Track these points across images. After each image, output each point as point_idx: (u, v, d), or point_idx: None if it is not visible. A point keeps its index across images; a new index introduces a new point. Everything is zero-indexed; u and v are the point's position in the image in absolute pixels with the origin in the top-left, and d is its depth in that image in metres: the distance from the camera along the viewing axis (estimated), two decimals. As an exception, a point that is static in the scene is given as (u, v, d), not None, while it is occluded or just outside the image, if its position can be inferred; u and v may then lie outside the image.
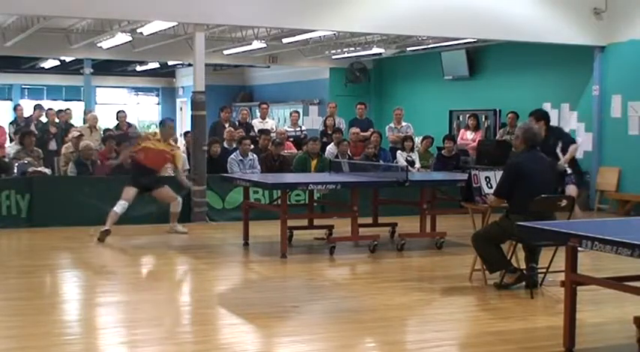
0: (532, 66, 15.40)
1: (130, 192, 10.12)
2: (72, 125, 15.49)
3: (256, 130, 14.34)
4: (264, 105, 15.66)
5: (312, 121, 18.04)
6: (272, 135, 13.97)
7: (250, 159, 12.06)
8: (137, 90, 26.40)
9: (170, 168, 10.87)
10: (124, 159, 10.64)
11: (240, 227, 9.85)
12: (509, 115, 14.42)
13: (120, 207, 9.99)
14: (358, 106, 15.29)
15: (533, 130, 7.22)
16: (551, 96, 14.96)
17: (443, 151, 13.63)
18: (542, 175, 7.01)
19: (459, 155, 13.53)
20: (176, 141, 12.66)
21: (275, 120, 16.31)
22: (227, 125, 14.01)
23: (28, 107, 17.69)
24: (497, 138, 14.51)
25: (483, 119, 16.15)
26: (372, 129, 14.62)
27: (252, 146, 12.43)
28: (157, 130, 10.83)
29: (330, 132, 14.43)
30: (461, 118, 16.63)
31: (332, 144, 13.45)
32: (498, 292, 7.08)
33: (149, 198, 11.26)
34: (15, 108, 16.70)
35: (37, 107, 16.18)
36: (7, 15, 13.74)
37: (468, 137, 14.50)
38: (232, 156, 12.03)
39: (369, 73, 19.71)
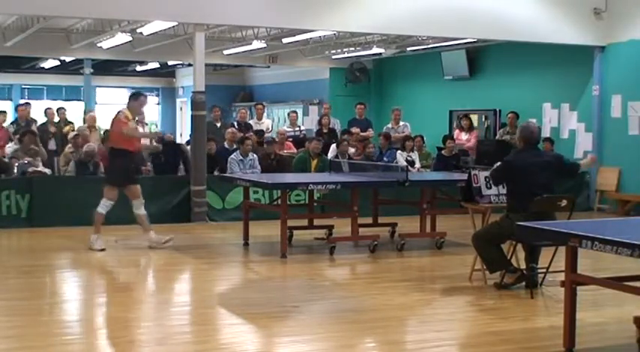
0: (532, 66, 15.40)
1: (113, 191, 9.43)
2: (71, 122, 15.50)
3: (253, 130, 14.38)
4: (260, 106, 15.70)
5: (312, 121, 18.04)
6: (267, 135, 14.02)
7: (250, 159, 12.06)
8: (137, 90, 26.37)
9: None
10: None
11: (240, 227, 9.85)
12: (509, 115, 14.43)
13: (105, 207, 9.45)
14: (358, 106, 15.29)
15: (530, 128, 7.23)
16: (551, 96, 14.96)
17: (443, 151, 13.62)
18: (540, 173, 6.98)
19: (459, 155, 13.53)
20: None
21: (270, 120, 16.32)
22: (218, 124, 14.06)
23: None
24: (497, 138, 14.50)
25: (483, 119, 16.16)
26: (371, 129, 14.64)
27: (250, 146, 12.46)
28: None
29: (325, 131, 14.45)
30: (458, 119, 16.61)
31: (334, 144, 13.40)
32: (498, 292, 7.08)
33: (149, 197, 11.28)
34: (16, 108, 16.65)
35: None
36: (7, 15, 13.74)
37: (463, 138, 14.47)
38: (232, 156, 12.03)
39: (369, 73, 19.70)
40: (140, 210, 9.38)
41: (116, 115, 9.39)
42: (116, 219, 11.12)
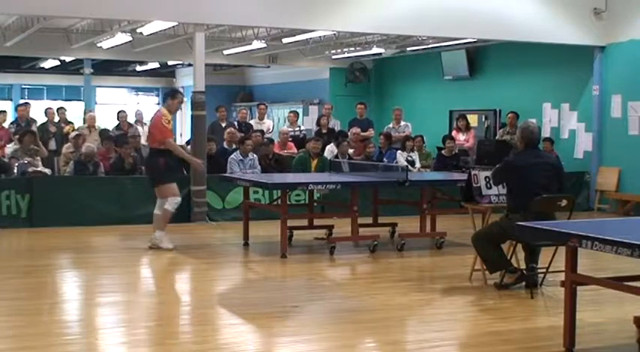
0: (532, 66, 15.40)
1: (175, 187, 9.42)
2: (71, 122, 15.51)
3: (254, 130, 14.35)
4: (262, 106, 15.67)
5: (313, 121, 18.03)
6: (268, 135, 14.02)
7: (250, 159, 12.06)
8: (137, 90, 26.39)
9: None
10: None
11: (240, 227, 9.84)
12: (509, 115, 14.42)
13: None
14: (358, 106, 15.28)
15: (530, 129, 7.21)
16: (551, 97, 14.97)
17: (443, 151, 13.62)
18: (540, 174, 6.98)
19: (459, 155, 13.52)
20: None
21: (271, 121, 16.32)
22: (224, 124, 14.03)
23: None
24: (497, 138, 14.49)
25: (483, 119, 16.15)
26: (372, 129, 14.63)
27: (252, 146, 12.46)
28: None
29: (324, 131, 14.44)
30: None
31: (331, 144, 13.42)
32: (498, 292, 7.08)
33: (149, 197, 11.31)
34: (16, 109, 16.65)
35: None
36: (7, 15, 13.74)
37: (460, 138, 14.45)
38: (232, 155, 12.03)
39: (369, 73, 19.71)
40: (170, 206, 9.32)
41: (155, 115, 9.37)
42: (117, 219, 11.21)
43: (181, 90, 24.82)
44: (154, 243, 9.35)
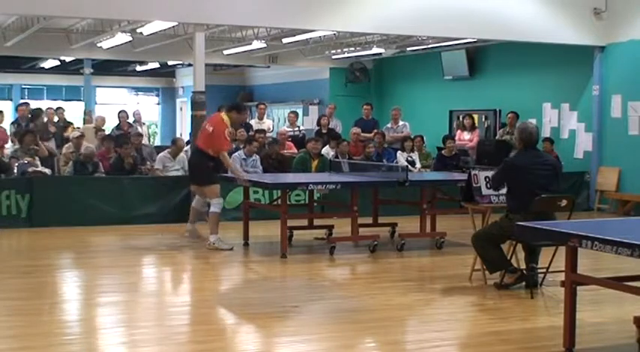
0: (532, 66, 15.39)
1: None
2: (71, 123, 15.50)
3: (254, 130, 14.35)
4: (262, 106, 15.67)
5: (313, 121, 18.03)
6: (268, 135, 13.99)
7: (253, 160, 12.06)
8: (137, 90, 26.39)
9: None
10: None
11: (240, 227, 9.84)
12: (509, 115, 14.42)
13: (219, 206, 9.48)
14: (364, 107, 15.32)
15: (528, 130, 7.21)
16: (551, 97, 14.96)
17: (443, 151, 13.62)
18: (539, 174, 6.97)
19: (459, 155, 13.52)
20: None
21: (271, 120, 16.31)
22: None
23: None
24: (497, 138, 14.50)
25: (483, 119, 16.15)
26: (376, 131, 14.61)
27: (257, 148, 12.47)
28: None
29: (324, 131, 14.43)
30: (461, 118, 16.60)
31: (327, 146, 13.38)
32: (498, 292, 7.08)
33: (149, 197, 11.32)
34: (17, 109, 16.63)
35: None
36: (7, 15, 13.74)
37: (465, 137, 14.45)
38: (236, 154, 11.99)
39: (369, 73, 19.71)
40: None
41: (217, 120, 9.25)
42: (117, 219, 11.21)
43: (181, 90, 25.09)
44: (211, 247, 9.28)
